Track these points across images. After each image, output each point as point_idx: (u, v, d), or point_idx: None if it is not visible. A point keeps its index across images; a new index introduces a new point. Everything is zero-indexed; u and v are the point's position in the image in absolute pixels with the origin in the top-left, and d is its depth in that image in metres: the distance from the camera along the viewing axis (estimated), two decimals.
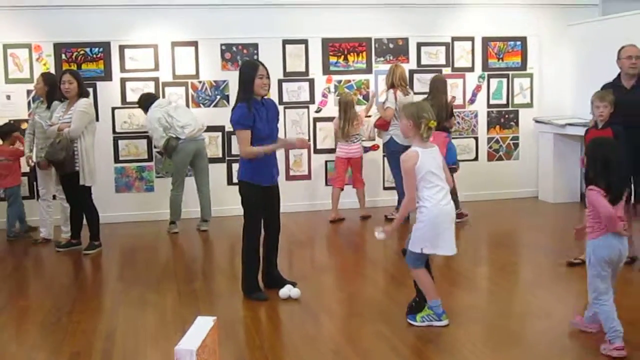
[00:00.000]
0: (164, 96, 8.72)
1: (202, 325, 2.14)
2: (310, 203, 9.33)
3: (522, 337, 4.75)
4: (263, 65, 5.50)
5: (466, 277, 6.24)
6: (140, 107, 8.39)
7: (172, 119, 8.00)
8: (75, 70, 7.89)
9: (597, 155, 4.41)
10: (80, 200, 7.27)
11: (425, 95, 8.31)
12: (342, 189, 8.70)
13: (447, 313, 4.90)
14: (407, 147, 4.99)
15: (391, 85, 8.28)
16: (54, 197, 7.76)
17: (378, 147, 8.92)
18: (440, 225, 4.77)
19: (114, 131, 8.81)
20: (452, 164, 7.90)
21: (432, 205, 4.74)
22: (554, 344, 4.57)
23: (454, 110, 8.62)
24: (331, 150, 9.10)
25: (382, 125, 8.36)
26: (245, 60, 7.63)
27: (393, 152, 8.09)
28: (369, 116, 8.75)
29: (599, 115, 5.98)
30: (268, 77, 5.50)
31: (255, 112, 5.40)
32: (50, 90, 7.47)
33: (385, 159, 8.90)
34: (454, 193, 8.40)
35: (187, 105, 8.82)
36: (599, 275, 4.37)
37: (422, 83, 9.39)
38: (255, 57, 8.91)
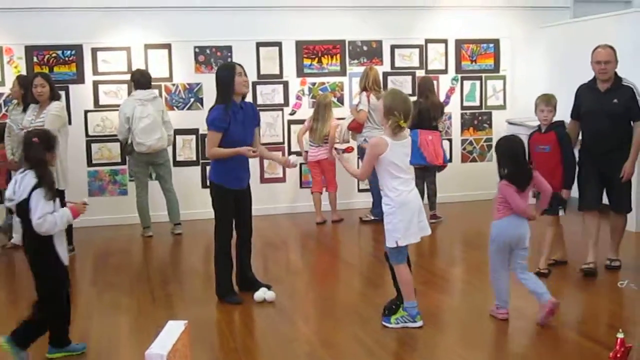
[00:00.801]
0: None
1: (173, 330, 2.12)
2: (285, 206, 9.31)
3: (497, 337, 4.78)
4: (239, 64, 5.53)
5: (441, 278, 6.26)
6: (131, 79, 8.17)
7: (134, 126, 7.75)
8: (47, 73, 7.79)
9: (506, 152, 4.99)
10: None
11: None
12: (321, 193, 8.69)
13: (422, 314, 4.91)
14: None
15: (364, 88, 8.30)
16: None
17: (352, 149, 8.90)
18: (407, 213, 4.81)
19: (86, 134, 8.73)
20: (445, 162, 8.30)
21: (395, 195, 4.80)
22: (528, 344, 4.60)
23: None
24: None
25: (356, 127, 8.37)
26: (220, 64, 7.58)
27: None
28: (342, 119, 8.74)
29: (542, 119, 5.95)
30: (246, 75, 5.54)
31: (231, 115, 5.39)
32: (26, 93, 7.39)
33: (360, 161, 8.90)
34: (432, 195, 8.49)
35: None
36: (497, 251, 4.98)
37: (396, 85, 9.42)
38: (229, 59, 8.88)
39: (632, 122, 5.95)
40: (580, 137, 6.24)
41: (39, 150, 4.34)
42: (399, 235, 4.80)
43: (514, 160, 4.95)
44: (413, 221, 4.81)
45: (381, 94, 8.31)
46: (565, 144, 5.90)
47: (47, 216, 4.23)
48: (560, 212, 6.05)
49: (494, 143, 9.95)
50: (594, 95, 6.07)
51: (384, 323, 4.96)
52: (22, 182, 4.27)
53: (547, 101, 5.95)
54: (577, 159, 6.04)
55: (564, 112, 6.29)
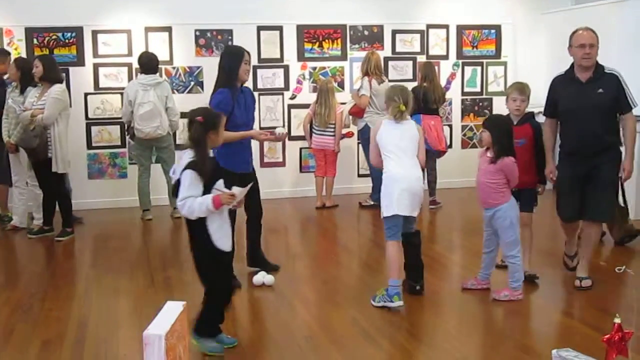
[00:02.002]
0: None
1: (172, 310, 2.12)
2: (285, 190, 9.31)
3: (496, 323, 4.79)
4: (247, 51, 5.55)
5: (440, 264, 6.27)
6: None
7: (135, 111, 7.74)
8: (45, 55, 7.76)
9: (502, 129, 5.02)
10: (52, 187, 7.20)
11: (401, 82, 8.30)
12: (324, 177, 8.69)
13: (421, 298, 4.92)
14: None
15: (366, 73, 8.29)
16: (27, 183, 7.66)
17: (352, 134, 8.90)
18: (394, 188, 4.93)
19: (86, 117, 8.72)
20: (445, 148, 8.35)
21: (385, 174, 5.02)
22: (527, 330, 4.61)
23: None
24: (305, 138, 9.05)
25: (357, 112, 8.38)
26: (228, 46, 7.57)
27: (367, 139, 8.10)
28: (344, 103, 8.73)
29: (515, 109, 5.39)
30: (250, 63, 5.61)
31: (235, 99, 5.43)
32: (23, 75, 7.38)
33: (360, 146, 8.91)
34: (432, 181, 8.50)
35: None
36: (516, 232, 5.06)
37: (397, 70, 9.41)
38: (230, 43, 8.85)
39: (619, 115, 5.25)
40: (558, 139, 5.51)
41: (200, 130, 4.06)
42: (383, 206, 5.00)
43: (510, 135, 5.03)
44: (393, 194, 4.92)
45: (383, 79, 8.33)
46: (540, 137, 5.44)
47: (187, 200, 4.00)
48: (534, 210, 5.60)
49: None
50: (574, 87, 5.26)
51: (370, 301, 5.07)
52: (182, 161, 4.10)
53: (520, 90, 5.44)
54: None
55: None
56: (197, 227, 4.10)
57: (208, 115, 4.16)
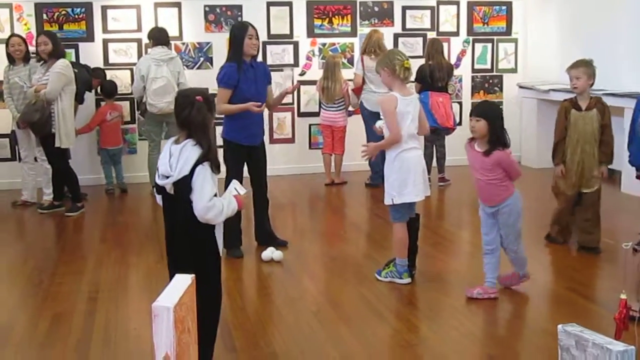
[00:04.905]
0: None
1: (180, 283, 2.14)
2: (293, 166, 9.32)
3: (502, 301, 4.80)
4: (252, 26, 5.59)
5: (449, 241, 6.29)
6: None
7: (148, 86, 7.73)
8: (49, 31, 7.75)
9: (499, 116, 4.60)
10: (56, 163, 7.24)
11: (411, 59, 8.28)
12: (331, 154, 8.68)
13: (428, 275, 4.95)
14: (374, 113, 5.08)
15: (363, 51, 8.31)
16: (36, 159, 7.69)
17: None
18: (403, 172, 4.86)
19: (96, 92, 8.71)
20: (454, 125, 8.32)
21: (395, 154, 4.86)
22: (534, 308, 4.63)
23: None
24: (315, 114, 9.06)
25: (355, 90, 8.51)
26: (236, 22, 7.56)
27: (364, 116, 8.25)
28: (351, 80, 8.71)
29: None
30: (257, 38, 5.61)
31: (242, 73, 5.48)
32: (28, 50, 7.50)
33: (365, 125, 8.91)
34: (441, 157, 8.49)
35: None
36: (520, 223, 4.75)
37: (407, 47, 9.37)
38: (239, 19, 8.83)
39: None
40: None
41: (204, 110, 3.42)
42: (395, 193, 4.89)
43: (503, 124, 4.65)
44: (409, 180, 4.86)
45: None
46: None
47: (215, 201, 3.37)
48: None
49: (504, 106, 9.92)
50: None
51: (375, 274, 5.12)
52: (183, 154, 3.34)
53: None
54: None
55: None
56: (206, 232, 3.48)
57: (204, 94, 3.52)
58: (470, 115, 4.63)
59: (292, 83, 5.75)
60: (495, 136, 4.54)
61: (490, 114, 4.54)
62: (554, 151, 5.79)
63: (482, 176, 4.66)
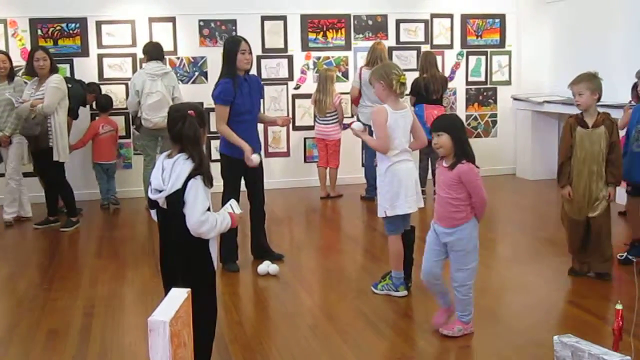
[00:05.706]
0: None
1: (176, 297, 2.14)
2: (289, 180, 9.32)
3: (500, 313, 4.80)
4: (245, 40, 5.60)
5: None
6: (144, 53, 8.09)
7: (143, 101, 7.72)
8: (44, 47, 7.73)
9: (460, 128, 4.29)
10: (53, 177, 7.24)
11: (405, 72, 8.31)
12: (326, 168, 8.70)
13: (424, 288, 4.93)
14: (367, 127, 5.09)
15: (366, 63, 8.31)
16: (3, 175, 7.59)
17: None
18: (395, 185, 4.86)
19: (91, 107, 8.71)
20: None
21: (386, 167, 4.87)
22: (531, 320, 4.62)
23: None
24: (310, 127, 9.10)
25: (354, 102, 8.55)
26: (229, 37, 7.59)
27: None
28: (346, 93, 8.73)
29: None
30: (250, 53, 5.62)
31: (238, 88, 5.50)
32: (12, 67, 7.46)
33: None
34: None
35: None
36: (477, 258, 4.31)
37: (401, 60, 9.39)
38: (234, 33, 8.85)
39: None
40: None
41: (195, 125, 3.40)
42: (387, 206, 4.90)
43: (466, 136, 4.31)
44: (400, 193, 4.86)
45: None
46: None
47: (209, 215, 3.38)
48: None
49: (498, 119, 9.97)
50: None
51: (372, 287, 5.13)
52: (175, 168, 3.35)
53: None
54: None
55: (568, 92, 5.63)
56: (200, 248, 3.47)
57: (197, 108, 3.53)
58: (431, 132, 4.31)
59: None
60: (461, 149, 4.18)
61: (450, 127, 4.22)
62: (559, 173, 5.35)
63: (443, 192, 4.25)
